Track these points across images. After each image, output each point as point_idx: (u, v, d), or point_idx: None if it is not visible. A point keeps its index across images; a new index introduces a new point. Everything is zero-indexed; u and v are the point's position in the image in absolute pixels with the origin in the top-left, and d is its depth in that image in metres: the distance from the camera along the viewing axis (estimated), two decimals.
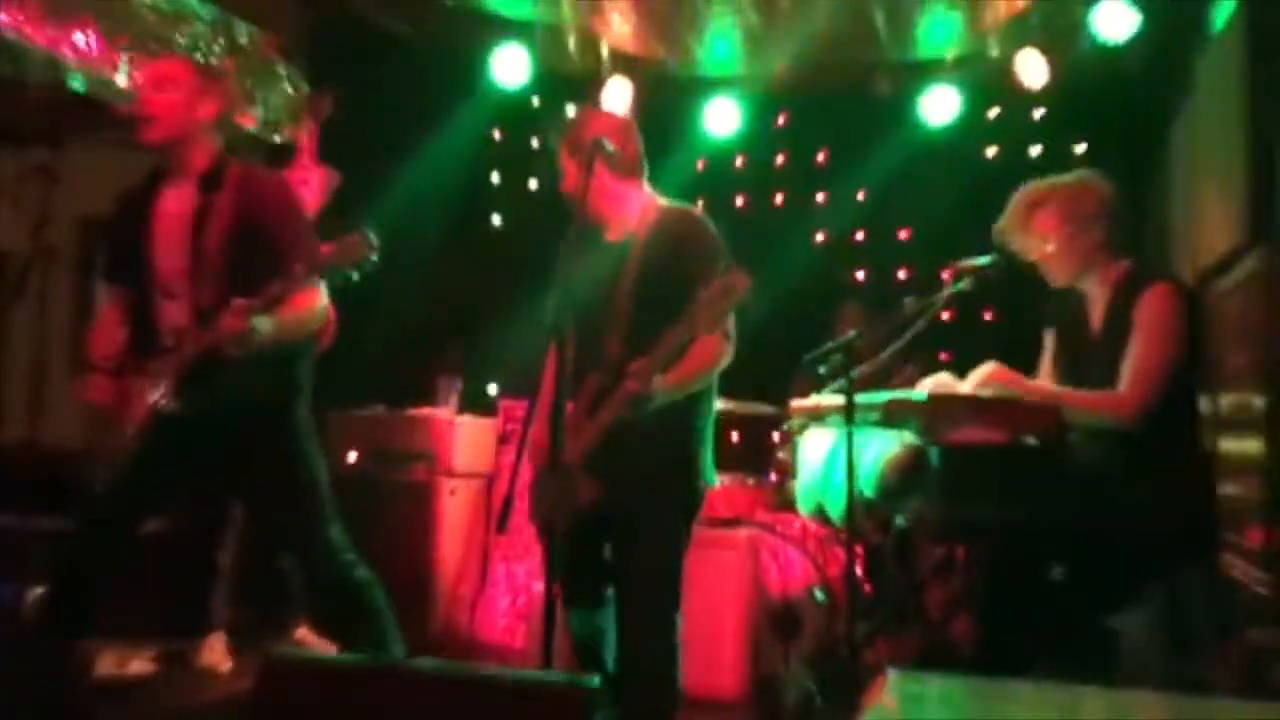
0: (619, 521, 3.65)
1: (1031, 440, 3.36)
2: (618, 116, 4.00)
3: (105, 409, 3.88)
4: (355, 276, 3.63)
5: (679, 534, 3.68)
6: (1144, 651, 3.64)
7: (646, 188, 3.85)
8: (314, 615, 5.01)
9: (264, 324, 3.59)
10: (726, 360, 3.70)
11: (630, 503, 3.58)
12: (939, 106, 6.58)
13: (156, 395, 3.77)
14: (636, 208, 3.80)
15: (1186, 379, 3.45)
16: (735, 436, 6.35)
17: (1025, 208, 3.64)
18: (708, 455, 3.77)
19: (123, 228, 3.99)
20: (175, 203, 3.89)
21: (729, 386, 5.70)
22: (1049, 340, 3.82)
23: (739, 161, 7.15)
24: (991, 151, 6.75)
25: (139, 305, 3.94)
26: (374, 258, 3.60)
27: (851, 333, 3.73)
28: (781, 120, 7.09)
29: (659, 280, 3.60)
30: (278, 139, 6.26)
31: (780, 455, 5.48)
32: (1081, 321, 3.65)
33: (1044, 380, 3.75)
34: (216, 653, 4.84)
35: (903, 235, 6.92)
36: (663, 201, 3.84)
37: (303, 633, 5.08)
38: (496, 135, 7.16)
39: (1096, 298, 3.61)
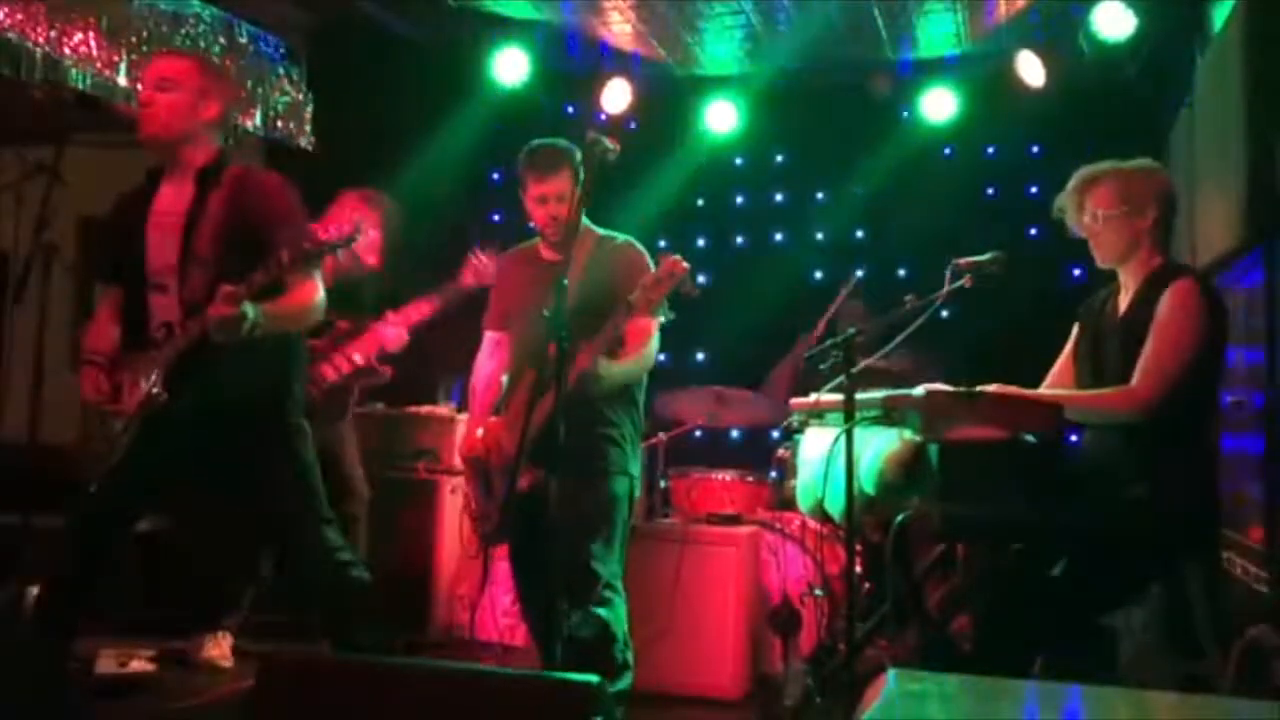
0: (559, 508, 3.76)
1: (1031, 438, 3.36)
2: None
3: (98, 403, 3.88)
4: (340, 255, 3.66)
5: (611, 517, 4.02)
6: (1144, 649, 3.64)
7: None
8: (309, 613, 5.01)
9: (253, 311, 3.57)
10: (653, 358, 4.15)
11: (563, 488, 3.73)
12: (938, 106, 6.59)
13: (148, 388, 3.76)
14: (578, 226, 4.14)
15: (1205, 377, 3.44)
16: (735, 434, 6.37)
17: (1085, 182, 3.65)
18: (632, 452, 4.14)
19: (118, 226, 3.98)
20: (171, 199, 3.89)
21: (730, 383, 5.76)
22: (1075, 330, 3.83)
23: (738, 161, 7.16)
24: (990, 151, 6.77)
25: (130, 301, 3.93)
26: (358, 236, 3.63)
27: (850, 329, 3.74)
28: (781, 120, 7.10)
29: (594, 294, 3.93)
30: (278, 138, 6.26)
31: (781, 453, 5.49)
32: (1107, 310, 3.66)
33: (1061, 367, 3.77)
34: (220, 649, 4.85)
35: (902, 234, 6.92)
36: (598, 231, 4.23)
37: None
38: (497, 134, 7.16)
39: (1127, 287, 3.61)
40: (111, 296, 4.05)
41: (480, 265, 5.07)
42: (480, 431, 4.17)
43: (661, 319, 3.91)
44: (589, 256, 4.10)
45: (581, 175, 4.05)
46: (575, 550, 3.88)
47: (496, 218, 7.30)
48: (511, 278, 4.36)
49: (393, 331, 5.13)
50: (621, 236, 4.25)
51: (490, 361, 4.36)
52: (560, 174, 4.09)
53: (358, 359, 5.06)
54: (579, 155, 4.08)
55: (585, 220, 4.20)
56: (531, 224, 4.25)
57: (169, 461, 3.88)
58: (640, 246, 4.22)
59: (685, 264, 3.73)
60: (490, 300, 4.44)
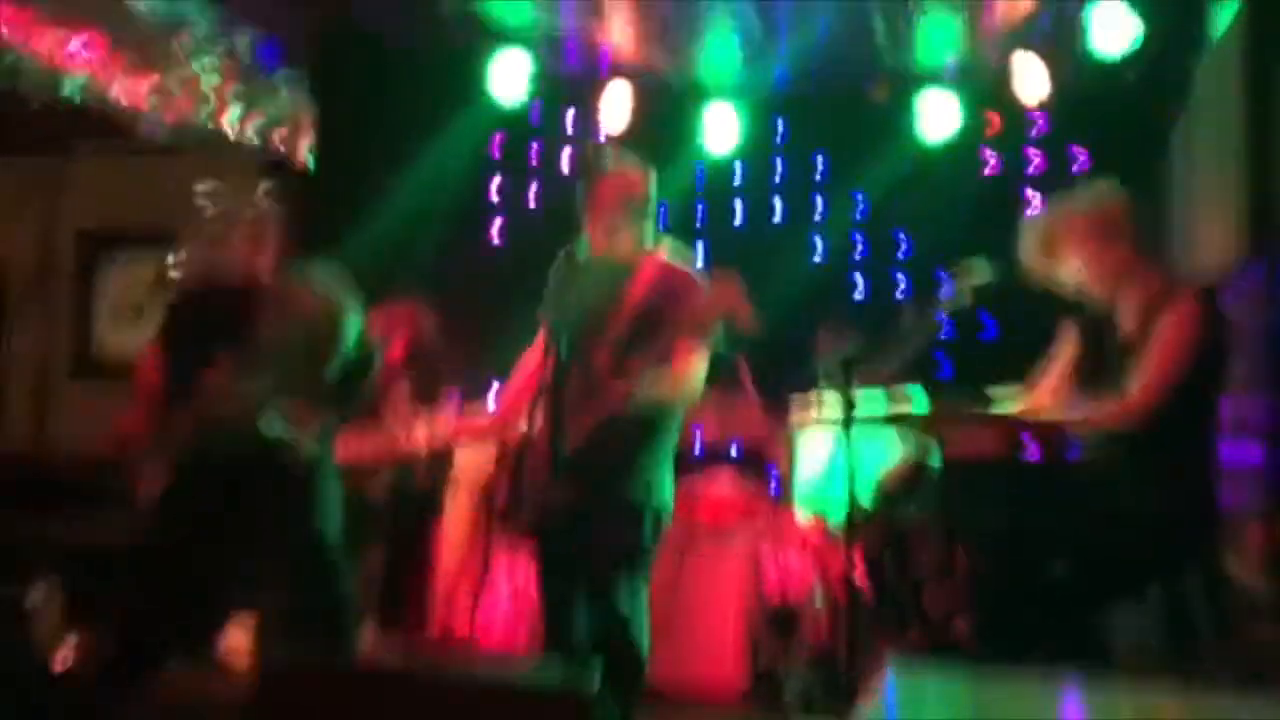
0: (586, 521, 3.78)
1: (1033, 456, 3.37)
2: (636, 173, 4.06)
3: (129, 440, 3.92)
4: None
5: (638, 536, 3.86)
6: (1145, 650, 3.64)
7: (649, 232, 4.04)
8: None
9: None
10: (700, 388, 3.90)
11: (593, 502, 3.76)
12: (938, 114, 6.59)
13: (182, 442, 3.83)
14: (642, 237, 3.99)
15: (1204, 387, 3.43)
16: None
17: (1044, 240, 3.60)
18: (664, 476, 3.94)
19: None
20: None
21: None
22: (1068, 334, 3.77)
23: (737, 169, 7.16)
24: (991, 159, 6.76)
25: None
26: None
27: (850, 339, 3.73)
28: (780, 128, 7.10)
29: (655, 316, 3.80)
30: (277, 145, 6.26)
31: (780, 458, 5.48)
32: (1110, 328, 3.62)
33: (1054, 374, 3.77)
34: (233, 641, 4.86)
35: (901, 242, 6.92)
36: (669, 247, 4.03)
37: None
38: (496, 143, 7.16)
39: (1127, 308, 3.56)
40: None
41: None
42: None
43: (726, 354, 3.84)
44: (658, 275, 3.93)
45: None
46: (595, 566, 3.84)
47: (496, 224, 7.30)
48: (566, 274, 4.07)
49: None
50: (689, 257, 4.06)
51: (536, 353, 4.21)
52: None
53: None
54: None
55: (658, 233, 4.09)
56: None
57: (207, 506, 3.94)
58: (702, 275, 3.96)
59: (738, 292, 3.58)
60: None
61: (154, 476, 3.88)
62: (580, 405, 3.77)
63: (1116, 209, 3.55)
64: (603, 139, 6.79)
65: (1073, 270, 3.56)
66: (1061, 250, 3.55)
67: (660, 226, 4.12)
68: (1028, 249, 3.62)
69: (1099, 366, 3.62)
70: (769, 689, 4.96)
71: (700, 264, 6.77)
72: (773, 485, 5.55)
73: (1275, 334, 4.33)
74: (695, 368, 3.85)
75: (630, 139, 6.83)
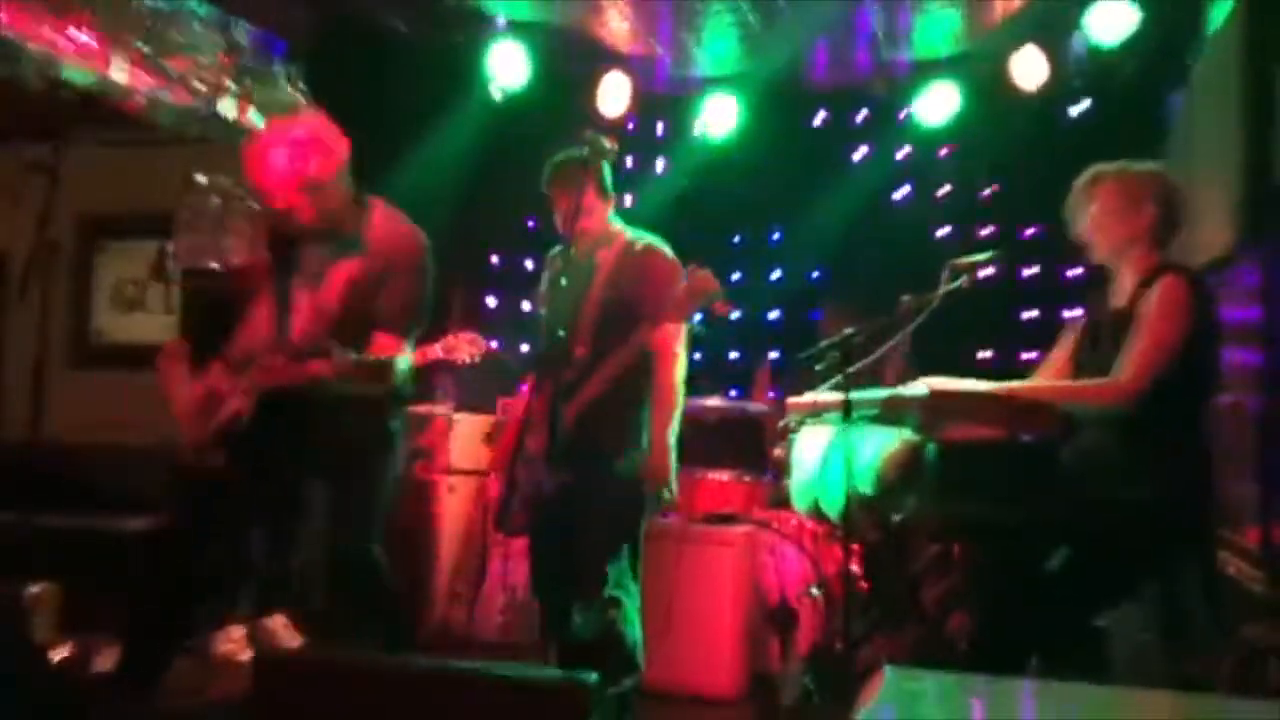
0: (578, 505, 3.94)
1: (1029, 437, 3.37)
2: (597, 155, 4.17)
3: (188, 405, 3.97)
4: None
5: (631, 518, 4.04)
6: (1141, 649, 3.65)
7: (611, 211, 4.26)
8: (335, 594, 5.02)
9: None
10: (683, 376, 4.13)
11: (586, 486, 3.92)
12: (936, 105, 6.59)
13: (237, 412, 3.84)
14: (604, 229, 4.20)
15: (1196, 372, 3.44)
16: (731, 433, 6.36)
17: (1090, 181, 3.66)
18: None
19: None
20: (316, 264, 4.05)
21: (724, 382, 5.75)
22: (1078, 323, 3.82)
23: (736, 160, 7.15)
24: (988, 150, 6.76)
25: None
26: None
27: (848, 330, 3.73)
28: (778, 119, 7.09)
29: (622, 299, 4.02)
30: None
31: (777, 452, 5.48)
32: (1103, 307, 3.66)
33: (1054, 358, 3.78)
34: (235, 641, 4.86)
35: (899, 232, 6.92)
36: (629, 232, 4.22)
37: (277, 621, 5.07)
38: (494, 134, 7.15)
39: (1122, 285, 3.60)
40: None
41: (452, 343, 5.14)
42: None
43: (699, 330, 3.94)
44: (616, 262, 4.12)
45: (579, 183, 4.07)
46: (587, 550, 3.93)
47: (494, 216, 7.29)
48: (548, 276, 4.35)
49: None
50: (650, 239, 4.21)
51: None
52: (551, 189, 4.20)
53: None
54: (566, 168, 4.14)
55: (616, 221, 4.24)
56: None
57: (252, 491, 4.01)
58: (668, 252, 4.18)
59: (715, 281, 3.75)
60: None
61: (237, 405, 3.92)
62: (568, 392, 3.90)
63: (1154, 185, 3.58)
64: (596, 127, 6.79)
65: (1088, 227, 3.63)
66: (1094, 198, 3.62)
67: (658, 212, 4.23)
68: (1076, 186, 3.70)
69: (1094, 343, 3.65)
70: (766, 688, 4.97)
71: (698, 252, 6.86)
72: (770, 476, 5.56)
73: (1268, 328, 4.33)
74: (679, 362, 4.08)
75: (627, 127, 6.84)
